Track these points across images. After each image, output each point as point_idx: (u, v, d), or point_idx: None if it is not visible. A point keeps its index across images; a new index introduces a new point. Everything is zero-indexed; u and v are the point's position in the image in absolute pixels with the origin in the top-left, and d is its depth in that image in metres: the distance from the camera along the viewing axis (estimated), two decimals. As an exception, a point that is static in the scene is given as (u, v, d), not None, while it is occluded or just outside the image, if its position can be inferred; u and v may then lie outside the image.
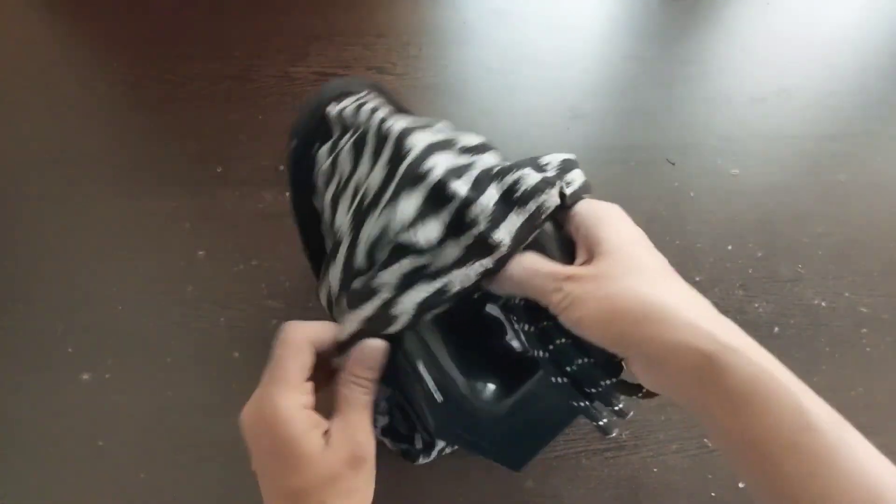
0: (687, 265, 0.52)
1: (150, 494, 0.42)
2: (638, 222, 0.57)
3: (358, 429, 0.29)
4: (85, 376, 0.46)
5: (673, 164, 0.57)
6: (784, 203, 0.55)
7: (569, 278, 0.27)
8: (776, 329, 0.50)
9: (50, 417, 0.45)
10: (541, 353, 0.29)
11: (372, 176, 0.31)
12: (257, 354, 0.49)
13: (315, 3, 0.67)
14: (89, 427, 0.44)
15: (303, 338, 0.29)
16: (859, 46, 0.68)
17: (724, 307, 0.50)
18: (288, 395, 0.28)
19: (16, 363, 0.47)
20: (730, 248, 0.53)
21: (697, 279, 0.51)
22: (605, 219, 0.29)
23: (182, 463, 0.43)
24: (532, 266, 0.28)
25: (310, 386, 0.28)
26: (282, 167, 0.56)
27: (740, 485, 0.44)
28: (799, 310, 0.50)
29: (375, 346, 0.30)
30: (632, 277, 0.26)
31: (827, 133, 0.61)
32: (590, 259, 0.28)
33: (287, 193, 0.41)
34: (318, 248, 0.41)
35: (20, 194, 0.55)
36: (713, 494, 0.43)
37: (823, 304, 0.50)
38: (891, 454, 0.43)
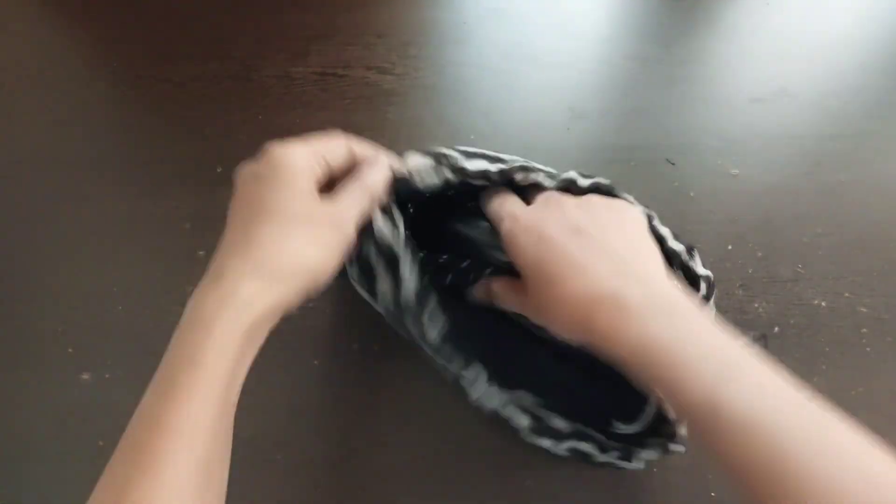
0: (687, 265, 0.52)
1: (150, 494, 0.42)
2: (638, 222, 0.57)
3: (350, 206, 0.30)
4: (85, 376, 0.46)
5: (673, 164, 0.57)
6: (784, 203, 0.55)
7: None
8: (776, 329, 0.50)
9: (50, 417, 0.45)
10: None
11: None
12: (257, 354, 0.49)
13: (315, 3, 0.67)
14: (89, 427, 0.44)
15: (344, 138, 0.33)
16: (859, 46, 0.68)
17: (725, 307, 0.50)
18: (305, 149, 0.30)
19: (16, 363, 0.47)
20: (730, 248, 0.53)
21: (697, 279, 0.51)
22: (508, 243, 0.33)
23: (182, 463, 0.43)
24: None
25: (327, 168, 0.31)
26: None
27: (740, 485, 0.44)
28: (799, 310, 0.50)
29: (383, 161, 0.33)
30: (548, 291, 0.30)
31: (827, 133, 0.61)
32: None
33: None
34: None
35: (20, 194, 0.55)
36: (713, 494, 0.43)
37: (823, 304, 0.50)
38: (891, 454, 0.43)
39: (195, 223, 0.53)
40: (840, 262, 0.52)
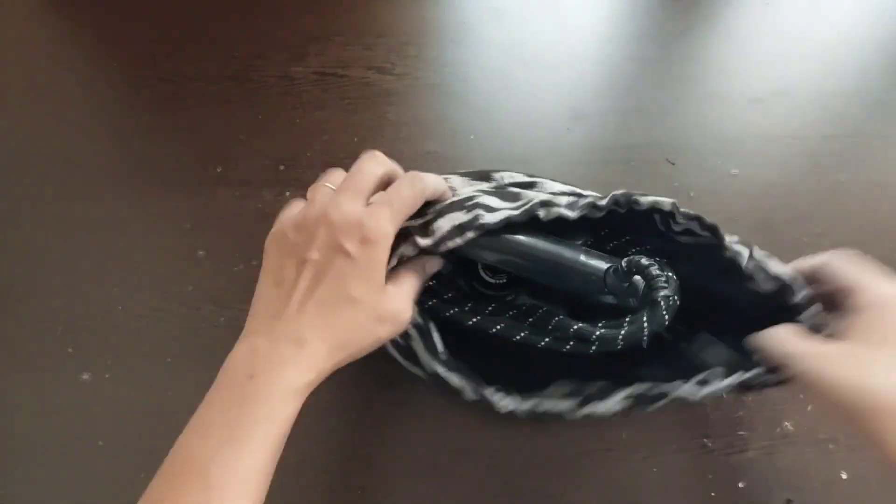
0: (687, 265, 0.52)
1: (150, 494, 0.42)
2: (638, 222, 0.56)
3: (407, 301, 0.32)
4: (85, 376, 0.46)
5: (673, 164, 0.57)
6: (784, 203, 0.55)
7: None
8: (776, 329, 0.50)
9: (50, 417, 0.45)
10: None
11: None
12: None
13: (315, 3, 0.67)
14: (89, 427, 0.44)
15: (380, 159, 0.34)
16: (859, 46, 0.68)
17: (724, 307, 0.50)
18: (395, 221, 0.31)
19: (16, 363, 0.47)
20: (730, 248, 0.53)
21: (697, 279, 0.51)
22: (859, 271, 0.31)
23: (182, 463, 0.43)
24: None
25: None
26: (282, 167, 0.56)
27: (740, 484, 0.44)
28: (799, 310, 0.50)
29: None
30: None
31: (827, 133, 0.61)
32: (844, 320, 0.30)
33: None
34: None
35: (20, 194, 0.55)
36: (713, 494, 0.43)
37: (823, 304, 0.50)
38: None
39: (195, 223, 0.53)
40: (840, 262, 0.52)
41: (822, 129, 0.61)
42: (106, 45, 0.64)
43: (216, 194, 0.54)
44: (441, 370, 0.36)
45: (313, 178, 0.56)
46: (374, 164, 0.32)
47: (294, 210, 0.33)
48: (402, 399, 0.46)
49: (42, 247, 0.52)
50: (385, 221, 0.30)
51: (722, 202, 0.55)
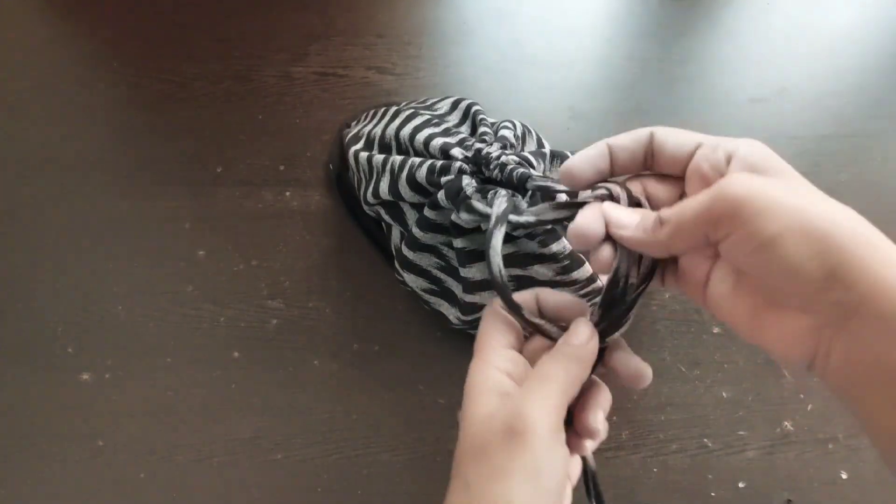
0: (687, 265, 0.52)
1: (150, 494, 0.42)
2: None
3: (529, 399, 0.24)
4: (85, 376, 0.46)
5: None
6: (784, 203, 0.55)
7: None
8: (776, 329, 0.50)
9: (50, 417, 0.45)
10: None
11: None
12: (257, 354, 0.49)
13: (315, 3, 0.67)
14: (89, 427, 0.44)
15: (499, 307, 0.28)
16: (859, 46, 0.68)
17: (724, 307, 0.50)
18: (478, 362, 0.26)
19: (16, 363, 0.47)
20: (730, 248, 0.53)
21: (697, 279, 0.51)
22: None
23: (182, 463, 0.43)
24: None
25: (510, 353, 0.27)
26: (282, 167, 0.56)
27: (740, 484, 0.44)
28: (799, 310, 0.50)
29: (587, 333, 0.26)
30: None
31: (827, 133, 0.61)
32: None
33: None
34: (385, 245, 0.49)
35: (20, 194, 0.55)
36: (713, 494, 0.43)
37: (823, 304, 0.50)
38: (891, 454, 0.42)
39: (195, 223, 0.53)
40: (840, 262, 0.52)
41: (821, 129, 0.61)
42: (106, 45, 0.64)
43: (216, 194, 0.54)
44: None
45: (313, 178, 0.56)
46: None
47: None
48: (402, 399, 0.46)
49: (42, 247, 0.52)
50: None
51: (722, 202, 0.55)
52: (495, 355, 0.26)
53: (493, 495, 0.22)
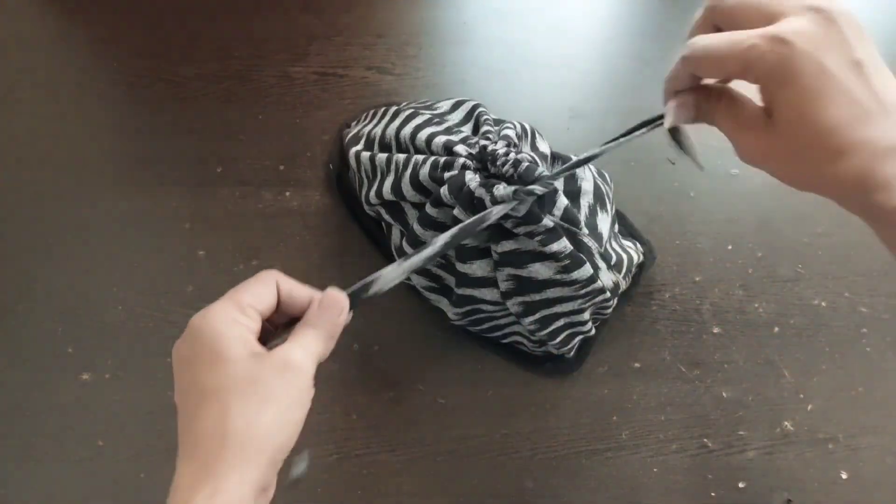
0: (687, 265, 0.52)
1: (150, 494, 0.42)
2: (638, 222, 0.57)
3: (295, 346, 0.28)
4: (85, 376, 0.46)
5: (673, 163, 0.57)
6: (784, 203, 0.55)
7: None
8: (776, 329, 0.50)
9: (50, 417, 0.45)
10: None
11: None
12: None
13: (315, 3, 0.67)
14: (89, 427, 0.44)
15: (271, 275, 0.30)
16: (859, 46, 0.68)
17: (725, 307, 0.50)
18: (227, 308, 0.27)
19: (16, 363, 0.47)
20: (730, 248, 0.53)
21: (697, 279, 0.51)
22: (774, 72, 0.24)
23: (182, 463, 0.43)
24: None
25: (257, 316, 0.28)
26: (282, 167, 0.56)
27: (740, 484, 0.44)
28: (799, 310, 0.50)
29: (338, 298, 0.30)
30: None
31: (827, 133, 0.60)
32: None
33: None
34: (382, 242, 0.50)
35: (20, 194, 0.55)
36: (713, 494, 0.43)
37: (823, 304, 0.50)
38: (891, 454, 0.43)
39: (195, 223, 0.53)
40: (840, 262, 0.52)
41: (822, 129, 0.61)
42: (106, 45, 0.64)
43: (216, 194, 0.54)
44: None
45: (313, 178, 0.56)
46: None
47: None
48: (402, 399, 0.46)
49: (42, 247, 0.52)
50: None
51: (722, 202, 0.55)
52: (242, 313, 0.28)
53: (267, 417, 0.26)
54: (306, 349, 0.28)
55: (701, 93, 0.28)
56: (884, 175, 0.23)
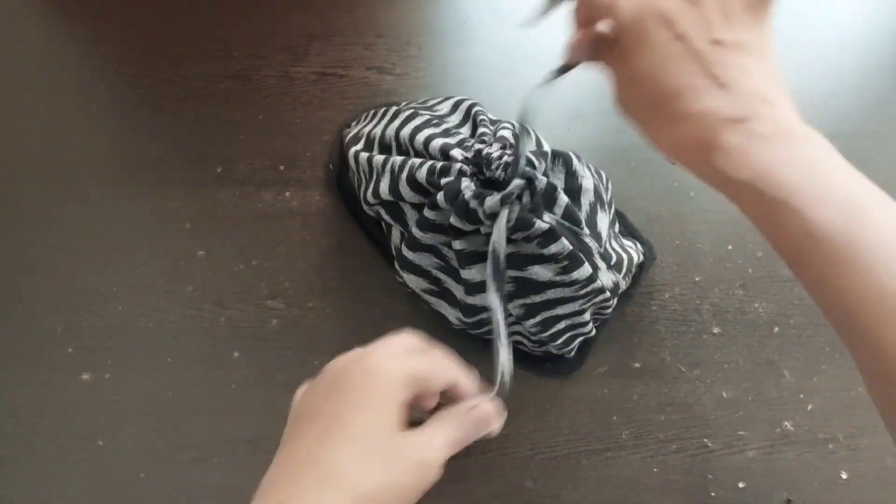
0: (687, 265, 0.52)
1: (150, 494, 0.42)
2: (638, 222, 0.57)
3: (435, 443, 0.27)
4: (85, 376, 0.46)
5: (673, 163, 0.57)
6: (784, 203, 0.55)
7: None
8: (776, 329, 0.50)
9: (50, 417, 0.45)
10: None
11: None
12: (257, 354, 0.49)
13: (315, 3, 0.67)
14: (89, 427, 0.44)
15: (454, 367, 0.30)
16: (859, 46, 0.68)
17: (724, 307, 0.50)
18: (404, 369, 0.27)
19: (16, 363, 0.47)
20: (730, 248, 0.53)
21: (697, 279, 0.51)
22: (630, 29, 0.28)
23: (182, 463, 0.43)
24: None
25: (415, 392, 0.28)
26: (282, 167, 0.56)
27: (740, 484, 0.44)
28: (799, 310, 0.50)
29: (493, 417, 0.30)
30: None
31: (827, 133, 0.60)
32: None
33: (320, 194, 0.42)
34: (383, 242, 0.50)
35: (20, 194, 0.55)
36: (713, 494, 0.43)
37: (823, 304, 0.50)
38: (891, 454, 0.43)
39: (195, 223, 0.53)
40: (840, 262, 0.52)
41: (821, 129, 0.61)
42: (106, 45, 0.64)
43: (216, 194, 0.54)
44: None
45: (313, 178, 0.56)
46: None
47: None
48: (402, 399, 0.46)
49: (42, 247, 0.52)
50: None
51: (722, 202, 0.54)
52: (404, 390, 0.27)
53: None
54: (443, 450, 0.27)
55: (598, 36, 0.30)
56: (719, 142, 0.25)
